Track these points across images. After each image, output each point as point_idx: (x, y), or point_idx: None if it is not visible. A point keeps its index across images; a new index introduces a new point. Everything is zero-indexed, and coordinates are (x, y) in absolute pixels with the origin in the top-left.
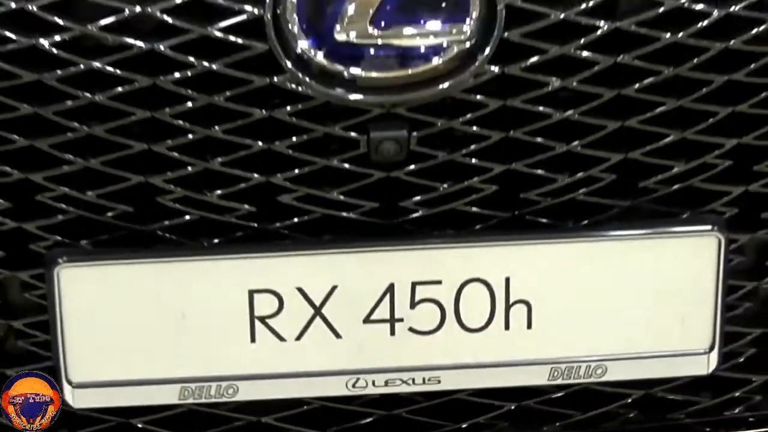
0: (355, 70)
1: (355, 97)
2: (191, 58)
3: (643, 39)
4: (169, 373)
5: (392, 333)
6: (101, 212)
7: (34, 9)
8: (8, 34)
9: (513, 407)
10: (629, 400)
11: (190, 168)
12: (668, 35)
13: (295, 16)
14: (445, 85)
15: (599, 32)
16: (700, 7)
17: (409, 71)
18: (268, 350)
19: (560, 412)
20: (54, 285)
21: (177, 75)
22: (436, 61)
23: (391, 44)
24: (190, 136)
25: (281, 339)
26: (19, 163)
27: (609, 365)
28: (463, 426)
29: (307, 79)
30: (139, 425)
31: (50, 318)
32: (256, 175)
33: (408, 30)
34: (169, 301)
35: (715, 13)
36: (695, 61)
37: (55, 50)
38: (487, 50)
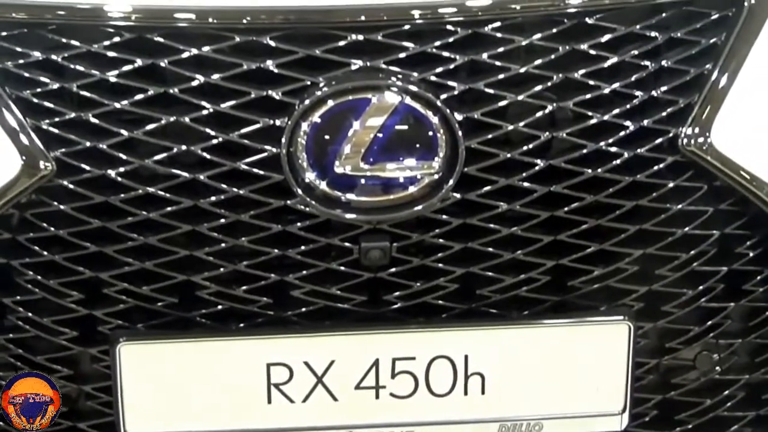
0: (350, 196)
1: (349, 216)
2: (224, 185)
3: (570, 173)
4: (204, 426)
5: (377, 397)
6: (153, 303)
7: (105, 147)
8: (84, 166)
9: None
10: None
11: (222, 269)
12: (590, 170)
13: (304, 154)
14: (419, 207)
15: (537, 168)
16: (614, 149)
17: (391, 197)
18: (281, 409)
19: None
20: (116, 358)
21: (213, 198)
22: (411, 189)
23: (378, 176)
24: (223, 244)
25: (291, 401)
26: (90, 265)
27: (545, 423)
28: None
29: (313, 202)
30: None
31: (112, 383)
32: (273, 275)
33: (390, 165)
34: (205, 371)
35: (626, 154)
36: (611, 190)
37: (119, 178)
38: (451, 181)
